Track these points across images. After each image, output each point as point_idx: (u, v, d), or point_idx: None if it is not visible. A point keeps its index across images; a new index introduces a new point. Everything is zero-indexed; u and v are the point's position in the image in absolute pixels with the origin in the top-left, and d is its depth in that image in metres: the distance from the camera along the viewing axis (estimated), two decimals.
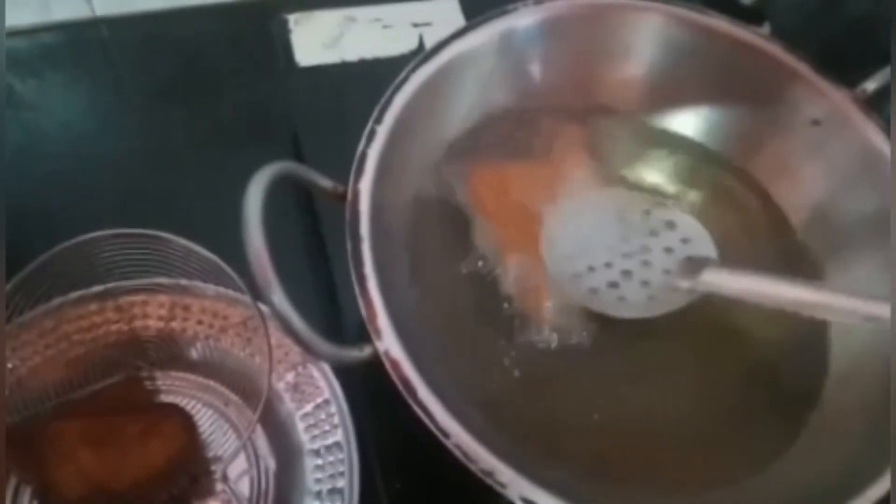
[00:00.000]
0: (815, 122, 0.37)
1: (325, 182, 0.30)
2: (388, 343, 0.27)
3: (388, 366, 0.27)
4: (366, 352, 0.27)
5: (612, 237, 0.36)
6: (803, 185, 0.39)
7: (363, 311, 0.28)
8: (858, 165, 0.36)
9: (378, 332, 0.27)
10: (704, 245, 0.35)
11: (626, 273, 0.35)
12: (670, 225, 0.36)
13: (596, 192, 0.37)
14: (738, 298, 0.33)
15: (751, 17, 0.45)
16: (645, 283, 0.34)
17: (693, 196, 0.40)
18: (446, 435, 0.26)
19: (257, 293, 0.25)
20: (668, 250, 0.35)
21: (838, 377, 0.34)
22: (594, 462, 0.31)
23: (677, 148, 0.42)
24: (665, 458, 0.32)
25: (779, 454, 0.32)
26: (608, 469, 0.31)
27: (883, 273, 0.34)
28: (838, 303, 0.30)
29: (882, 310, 0.28)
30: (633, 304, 0.34)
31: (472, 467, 0.26)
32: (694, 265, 0.34)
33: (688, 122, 0.42)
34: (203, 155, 0.52)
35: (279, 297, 0.25)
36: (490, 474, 0.26)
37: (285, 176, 0.28)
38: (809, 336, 0.36)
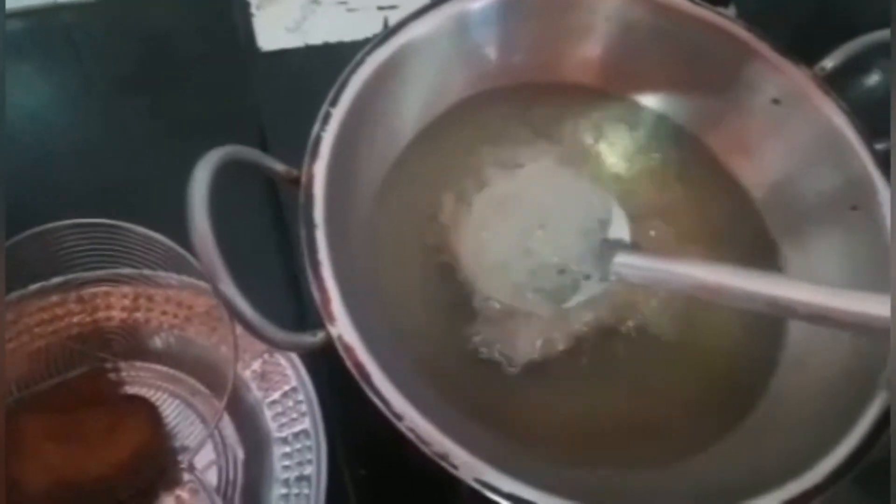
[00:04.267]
0: (776, 102, 0.37)
1: (279, 166, 0.30)
2: (342, 328, 0.27)
3: (341, 350, 0.27)
4: (319, 337, 0.27)
5: (532, 221, 0.34)
6: (762, 162, 0.39)
7: (316, 297, 0.28)
8: (816, 143, 0.36)
9: (332, 318, 0.27)
10: (619, 226, 0.34)
11: (544, 262, 0.34)
12: (591, 205, 0.35)
13: (520, 172, 0.35)
14: (647, 287, 0.32)
15: None
16: (561, 272, 0.33)
17: (652, 173, 0.39)
18: (400, 418, 0.26)
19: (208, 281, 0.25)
20: (586, 233, 0.34)
21: (794, 351, 0.34)
22: (548, 444, 0.31)
23: (639, 123, 0.41)
24: (616, 438, 0.32)
25: (732, 428, 0.32)
26: (560, 451, 0.31)
27: (838, 253, 0.35)
28: (767, 289, 0.28)
29: (795, 293, 0.27)
30: (547, 295, 0.33)
31: (426, 450, 0.26)
32: (607, 249, 0.33)
33: (649, 99, 0.41)
34: (168, 143, 0.51)
35: (226, 284, 0.24)
36: (444, 457, 0.25)
37: (234, 160, 0.27)
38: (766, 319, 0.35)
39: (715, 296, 0.30)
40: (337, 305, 0.27)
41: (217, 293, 0.24)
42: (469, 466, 0.25)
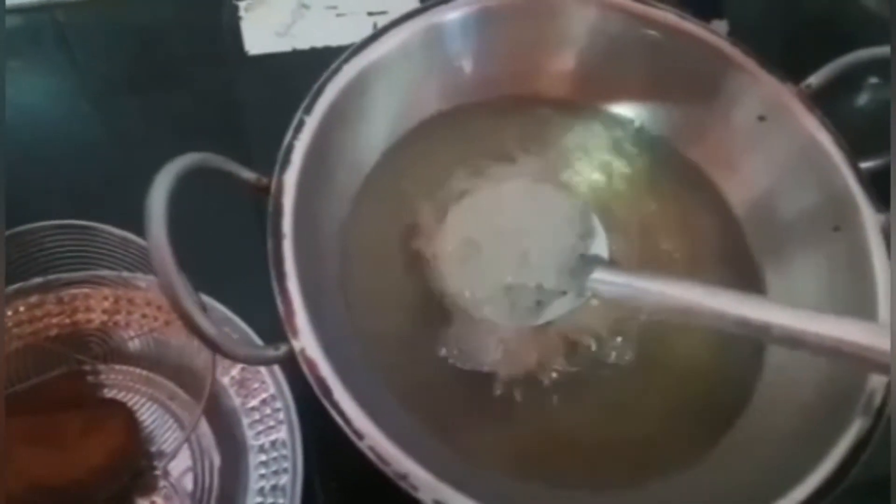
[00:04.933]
0: (761, 118, 0.37)
1: (248, 174, 0.29)
2: (306, 342, 0.27)
3: (303, 365, 0.26)
4: (282, 351, 0.27)
5: (508, 235, 0.34)
6: (745, 179, 0.38)
7: (281, 310, 0.27)
8: (801, 161, 0.36)
9: (295, 331, 0.27)
10: (598, 242, 0.34)
11: (520, 276, 0.33)
12: (570, 220, 0.34)
13: (499, 186, 0.35)
14: (623, 304, 0.32)
15: (709, 11, 0.44)
16: (538, 287, 0.33)
17: (633, 188, 0.39)
18: (360, 436, 0.25)
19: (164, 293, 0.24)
20: (563, 248, 0.34)
21: (772, 373, 0.34)
22: (518, 463, 0.30)
23: (619, 136, 0.41)
24: (587, 458, 0.31)
25: (708, 450, 0.32)
26: (529, 471, 0.30)
27: (819, 274, 0.34)
28: (743, 311, 0.27)
29: (779, 318, 0.27)
30: (521, 310, 0.33)
31: (386, 470, 0.25)
32: (584, 265, 0.33)
33: (630, 112, 0.41)
34: (158, 145, 0.51)
35: (183, 297, 0.24)
36: (404, 477, 0.25)
37: (199, 168, 0.27)
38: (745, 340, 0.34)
39: (691, 316, 0.30)
40: (301, 319, 0.27)
41: (174, 307, 0.24)
42: (429, 487, 0.25)
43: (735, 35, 0.39)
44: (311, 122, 0.31)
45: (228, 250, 0.44)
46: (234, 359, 0.26)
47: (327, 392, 0.26)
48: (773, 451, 0.30)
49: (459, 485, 0.25)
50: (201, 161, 0.27)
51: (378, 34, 0.35)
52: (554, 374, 0.33)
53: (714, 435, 0.32)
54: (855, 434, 0.29)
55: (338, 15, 0.50)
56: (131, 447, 0.38)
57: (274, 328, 0.37)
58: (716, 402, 0.33)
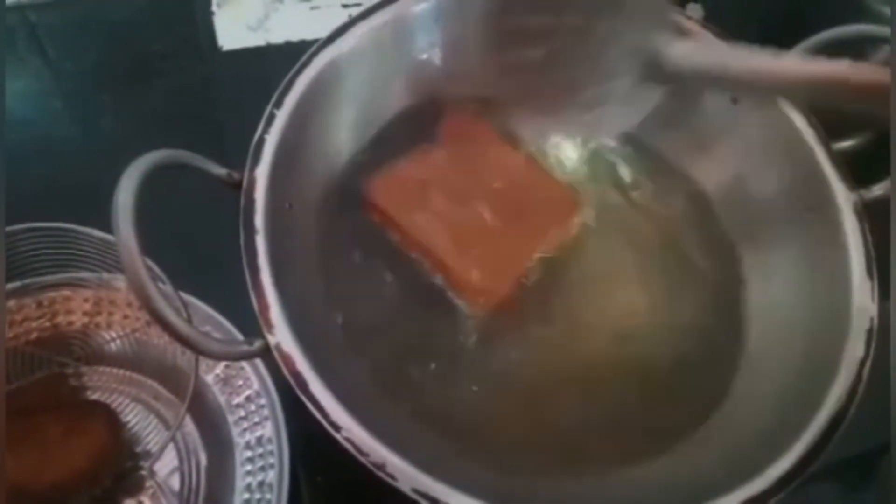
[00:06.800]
0: (734, 101, 0.37)
1: (218, 169, 0.29)
2: (281, 336, 0.27)
3: (279, 359, 0.26)
4: (256, 346, 0.26)
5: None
6: (719, 162, 0.38)
7: (255, 304, 0.27)
8: (774, 143, 0.36)
9: (270, 326, 0.27)
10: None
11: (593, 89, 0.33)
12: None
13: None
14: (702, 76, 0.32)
15: None
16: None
17: (608, 174, 0.39)
18: (337, 428, 0.25)
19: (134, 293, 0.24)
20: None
21: (751, 357, 0.34)
22: (498, 451, 0.30)
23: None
24: (567, 448, 0.31)
25: (689, 433, 0.32)
26: (512, 458, 0.30)
27: (795, 254, 0.34)
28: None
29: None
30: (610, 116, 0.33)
31: (364, 460, 0.25)
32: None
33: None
34: (134, 143, 0.50)
35: (154, 296, 0.23)
36: (381, 467, 0.25)
37: (168, 164, 0.27)
38: (725, 316, 0.35)
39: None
40: (276, 313, 0.27)
41: (142, 303, 0.23)
42: (408, 477, 0.25)
43: (710, 18, 0.39)
44: (282, 116, 0.31)
45: (213, 250, 0.44)
46: (208, 354, 0.26)
47: (303, 385, 0.26)
48: (751, 437, 0.31)
49: (439, 474, 0.26)
50: (169, 157, 0.27)
51: (347, 26, 0.34)
52: (536, 364, 0.33)
53: (690, 425, 0.32)
54: (829, 411, 0.29)
55: (312, 8, 0.50)
56: (114, 448, 0.38)
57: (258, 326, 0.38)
58: (693, 393, 0.33)
